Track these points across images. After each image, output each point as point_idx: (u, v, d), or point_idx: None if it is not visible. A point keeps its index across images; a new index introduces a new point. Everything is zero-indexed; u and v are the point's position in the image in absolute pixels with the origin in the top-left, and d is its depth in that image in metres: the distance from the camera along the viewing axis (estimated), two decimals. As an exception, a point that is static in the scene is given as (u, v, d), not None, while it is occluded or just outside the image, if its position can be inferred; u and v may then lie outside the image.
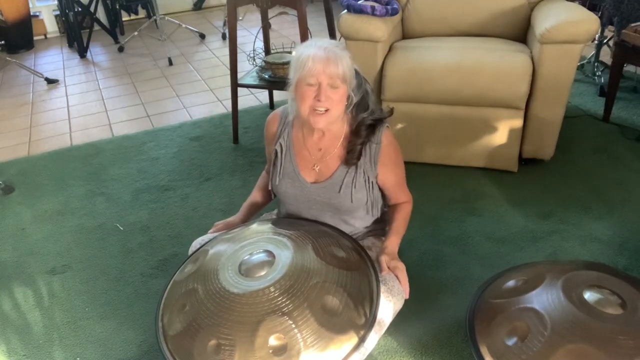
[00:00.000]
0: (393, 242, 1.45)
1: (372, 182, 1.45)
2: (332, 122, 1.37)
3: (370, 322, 1.21)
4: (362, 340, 1.17)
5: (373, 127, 1.42)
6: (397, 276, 1.37)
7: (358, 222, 1.53)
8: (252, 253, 1.29)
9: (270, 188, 1.56)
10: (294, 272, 1.22)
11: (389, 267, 1.37)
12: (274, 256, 1.27)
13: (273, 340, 1.12)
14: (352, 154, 1.41)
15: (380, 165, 1.43)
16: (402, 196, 1.53)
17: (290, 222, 1.50)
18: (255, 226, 1.45)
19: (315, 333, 1.14)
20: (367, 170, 1.42)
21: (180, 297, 1.27)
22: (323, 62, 1.27)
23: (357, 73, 1.41)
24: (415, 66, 2.28)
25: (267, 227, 1.42)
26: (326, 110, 1.32)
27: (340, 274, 1.25)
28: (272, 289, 1.18)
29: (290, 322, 1.14)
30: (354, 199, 1.43)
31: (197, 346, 1.15)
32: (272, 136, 1.52)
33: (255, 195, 1.66)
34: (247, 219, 1.62)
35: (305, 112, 1.33)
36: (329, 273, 1.24)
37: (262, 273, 1.23)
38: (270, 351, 1.11)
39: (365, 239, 1.56)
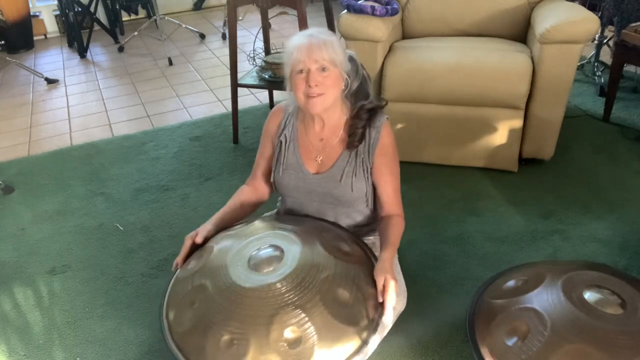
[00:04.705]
0: (390, 255, 1.34)
1: (370, 172, 1.45)
2: (329, 106, 1.39)
3: (375, 322, 1.21)
4: (365, 342, 1.17)
5: (373, 111, 1.44)
6: (383, 291, 1.25)
7: (359, 216, 1.53)
8: (259, 248, 1.29)
9: (272, 180, 1.56)
10: (304, 266, 1.22)
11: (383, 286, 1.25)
12: (282, 251, 1.27)
13: (288, 333, 1.12)
14: (354, 137, 1.43)
15: (377, 156, 1.43)
16: (395, 205, 1.47)
17: (293, 218, 1.50)
18: (258, 223, 1.45)
19: (328, 326, 1.14)
20: (365, 160, 1.44)
21: (187, 294, 1.27)
22: (307, 49, 1.32)
23: (352, 59, 1.43)
24: (415, 66, 2.28)
25: (271, 223, 1.43)
26: (321, 94, 1.34)
27: (349, 267, 1.26)
28: (284, 283, 1.19)
29: (304, 315, 1.14)
30: (354, 188, 1.44)
31: (209, 342, 1.15)
32: (273, 130, 1.54)
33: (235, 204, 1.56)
34: (219, 228, 1.47)
35: (301, 99, 1.36)
36: (338, 266, 1.25)
37: (272, 268, 1.23)
38: (285, 344, 1.11)
39: (367, 236, 1.56)
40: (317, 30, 1.36)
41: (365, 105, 1.43)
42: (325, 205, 1.50)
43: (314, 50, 1.31)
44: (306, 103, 1.36)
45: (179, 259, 1.41)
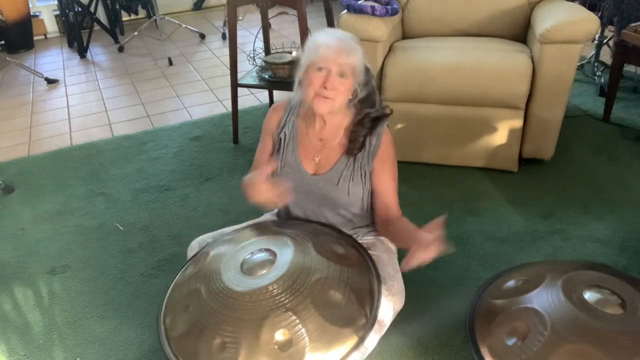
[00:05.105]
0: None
1: (368, 177, 1.45)
2: (334, 111, 1.39)
3: (371, 320, 1.21)
4: (362, 339, 1.17)
5: (377, 120, 1.43)
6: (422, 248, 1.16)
7: (356, 218, 1.54)
8: (253, 252, 1.30)
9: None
10: (296, 269, 1.22)
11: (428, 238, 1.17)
12: (275, 254, 1.28)
13: (278, 336, 1.13)
14: (355, 144, 1.43)
15: (377, 161, 1.44)
16: (397, 207, 1.48)
17: (288, 222, 1.50)
18: (253, 228, 1.46)
19: (319, 328, 1.14)
20: (364, 165, 1.44)
21: (182, 298, 1.28)
22: (335, 51, 1.31)
23: (368, 70, 1.43)
24: (415, 66, 2.28)
25: (265, 228, 1.44)
26: (331, 99, 1.34)
27: (342, 270, 1.26)
28: (275, 286, 1.19)
29: (295, 317, 1.14)
30: (350, 192, 1.45)
31: (202, 346, 1.15)
32: (273, 126, 1.54)
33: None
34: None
35: (310, 96, 1.36)
36: (331, 269, 1.25)
37: (264, 271, 1.24)
38: (276, 347, 1.12)
39: (365, 236, 1.56)
40: (345, 35, 1.36)
41: (370, 114, 1.43)
42: (323, 205, 1.51)
43: (342, 54, 1.31)
44: (314, 101, 1.36)
45: (263, 173, 1.31)
